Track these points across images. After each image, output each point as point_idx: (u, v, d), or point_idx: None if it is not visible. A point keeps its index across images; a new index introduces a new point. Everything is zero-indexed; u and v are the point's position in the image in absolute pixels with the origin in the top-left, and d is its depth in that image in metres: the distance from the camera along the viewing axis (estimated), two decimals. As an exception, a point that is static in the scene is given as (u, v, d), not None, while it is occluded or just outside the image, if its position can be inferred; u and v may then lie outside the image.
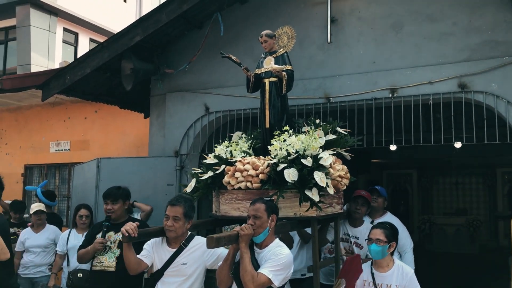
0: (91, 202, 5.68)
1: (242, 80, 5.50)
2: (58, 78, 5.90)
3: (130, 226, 3.32)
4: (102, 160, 5.87)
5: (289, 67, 4.37)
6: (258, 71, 4.49)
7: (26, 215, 6.91)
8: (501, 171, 14.02)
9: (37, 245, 5.76)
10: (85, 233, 5.26)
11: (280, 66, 4.31)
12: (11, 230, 6.39)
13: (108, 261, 4.09)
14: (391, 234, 3.63)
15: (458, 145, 6.35)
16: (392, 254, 3.67)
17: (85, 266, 5.12)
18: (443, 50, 4.71)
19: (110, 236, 4.16)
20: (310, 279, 4.15)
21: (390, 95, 4.85)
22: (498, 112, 4.43)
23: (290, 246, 4.36)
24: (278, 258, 3.12)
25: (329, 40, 5.15)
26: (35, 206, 5.84)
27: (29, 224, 6.06)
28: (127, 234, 3.29)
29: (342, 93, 5.05)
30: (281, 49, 4.50)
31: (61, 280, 5.48)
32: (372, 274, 3.61)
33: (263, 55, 4.54)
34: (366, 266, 3.70)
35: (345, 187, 4.07)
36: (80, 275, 4.99)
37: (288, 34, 4.58)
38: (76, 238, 5.24)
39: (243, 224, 3.20)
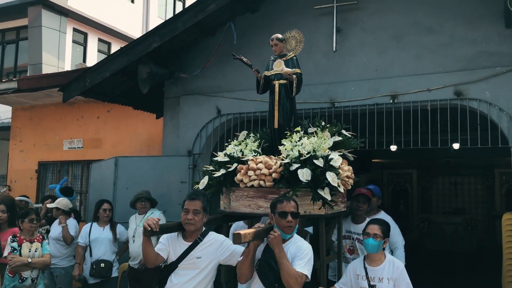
0: (109, 198, 6.04)
1: (252, 85, 5.82)
2: (78, 80, 6.26)
3: (152, 221, 3.33)
4: (120, 158, 6.24)
5: (298, 70, 4.51)
6: (267, 73, 4.63)
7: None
8: (499, 171, 14.31)
9: (53, 238, 5.98)
10: (106, 226, 5.67)
11: (291, 69, 4.45)
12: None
13: None
14: (386, 230, 3.80)
15: (456, 146, 6.65)
16: (383, 249, 3.83)
17: (107, 257, 5.54)
18: (441, 59, 5.06)
19: None
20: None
21: (391, 101, 5.20)
22: (491, 118, 4.79)
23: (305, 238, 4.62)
24: (305, 254, 3.26)
25: (334, 49, 5.51)
26: (53, 203, 6.19)
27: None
28: (149, 229, 3.29)
29: (346, 98, 5.41)
30: (291, 53, 4.63)
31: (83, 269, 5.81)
32: (365, 268, 3.76)
33: (272, 58, 4.67)
34: (358, 261, 3.88)
35: (350, 187, 4.24)
36: (102, 265, 5.38)
37: (296, 38, 4.68)
38: (98, 230, 5.62)
39: (271, 232, 3.25)
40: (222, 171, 4.20)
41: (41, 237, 4.99)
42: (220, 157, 4.37)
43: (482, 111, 4.86)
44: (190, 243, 3.54)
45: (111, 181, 6.21)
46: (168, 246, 3.61)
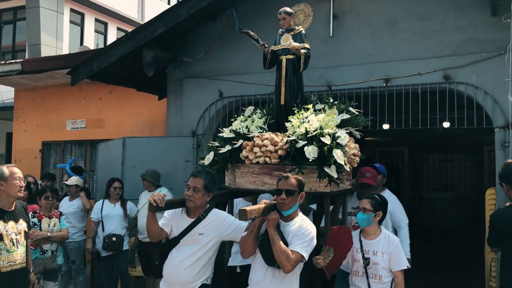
0: (117, 176, 6.37)
1: (253, 68, 6.18)
2: (86, 64, 6.53)
3: (158, 197, 3.36)
4: (127, 139, 6.55)
5: (306, 45, 4.42)
6: (275, 48, 4.54)
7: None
8: (488, 148, 14.69)
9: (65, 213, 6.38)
10: (117, 203, 6.03)
11: (299, 44, 4.38)
12: None
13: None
14: (378, 204, 3.81)
15: (446, 124, 6.96)
16: (379, 223, 3.88)
17: (118, 231, 5.91)
18: (431, 45, 5.37)
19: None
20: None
21: (384, 84, 5.53)
22: (476, 100, 5.14)
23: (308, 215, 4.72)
24: (305, 234, 3.30)
25: (331, 34, 5.80)
26: (72, 181, 6.55)
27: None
28: (155, 204, 3.32)
29: (342, 82, 5.71)
30: (299, 27, 4.56)
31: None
32: (360, 241, 3.84)
33: (280, 32, 4.61)
34: (355, 234, 3.91)
35: (356, 165, 4.24)
36: (114, 239, 5.76)
37: (304, 12, 4.61)
38: (109, 207, 6.00)
39: (271, 212, 3.31)
40: (228, 147, 4.19)
41: (58, 213, 5.36)
42: (226, 133, 4.34)
43: (468, 94, 5.20)
44: (193, 220, 3.59)
45: (119, 161, 6.53)
46: (172, 221, 3.64)
